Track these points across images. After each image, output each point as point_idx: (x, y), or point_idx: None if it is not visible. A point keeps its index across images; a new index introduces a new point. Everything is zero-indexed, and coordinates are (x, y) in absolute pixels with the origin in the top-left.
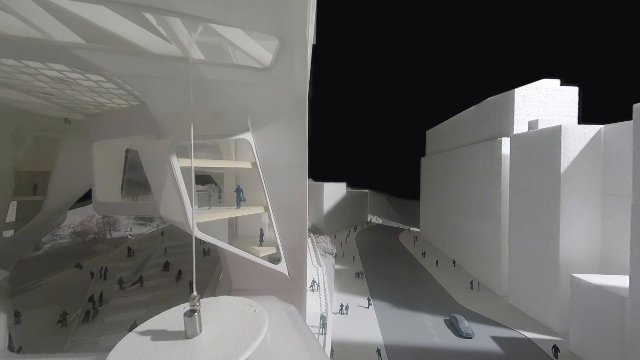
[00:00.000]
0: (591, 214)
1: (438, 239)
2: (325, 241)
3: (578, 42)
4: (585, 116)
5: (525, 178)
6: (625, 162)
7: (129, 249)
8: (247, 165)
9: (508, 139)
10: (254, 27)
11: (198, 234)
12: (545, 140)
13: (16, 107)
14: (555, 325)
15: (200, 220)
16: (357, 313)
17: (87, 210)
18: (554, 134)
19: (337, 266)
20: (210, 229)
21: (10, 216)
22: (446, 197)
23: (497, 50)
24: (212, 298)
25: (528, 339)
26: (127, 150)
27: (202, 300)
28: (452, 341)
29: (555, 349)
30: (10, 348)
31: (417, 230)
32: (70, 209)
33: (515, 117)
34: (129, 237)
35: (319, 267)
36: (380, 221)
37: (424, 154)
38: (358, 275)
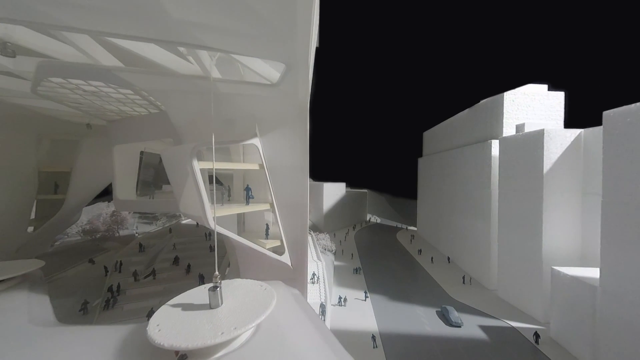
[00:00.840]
0: (572, 211)
1: (434, 237)
2: (325, 239)
3: (568, 49)
4: (572, 120)
5: (512, 178)
6: None
7: (140, 245)
8: (255, 167)
9: (497, 141)
10: (267, 56)
11: (211, 225)
12: (530, 143)
13: (42, 114)
14: (539, 315)
15: (217, 215)
16: (355, 305)
17: (93, 209)
18: (538, 137)
19: (336, 263)
20: (221, 224)
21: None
22: (441, 196)
23: (493, 53)
24: (227, 280)
25: (513, 328)
26: (141, 153)
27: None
28: (442, 329)
29: (537, 335)
30: None
31: (415, 229)
32: None
33: (504, 120)
34: (136, 235)
35: (318, 262)
36: (379, 220)
37: (421, 155)
38: (356, 271)
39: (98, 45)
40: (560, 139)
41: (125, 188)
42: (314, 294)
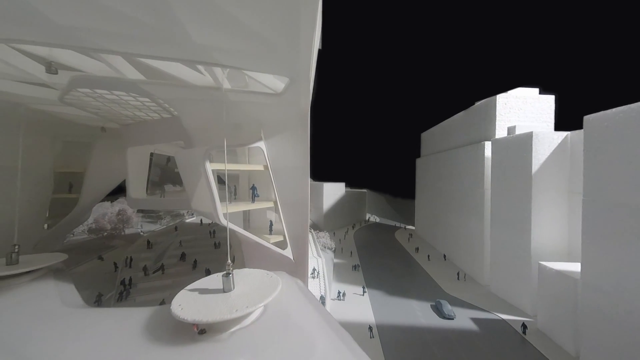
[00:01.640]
0: (559, 210)
1: (431, 235)
2: (325, 237)
3: (561, 53)
4: (562, 122)
5: (503, 179)
6: None
7: (148, 242)
8: (260, 168)
9: (490, 142)
10: (273, 72)
11: (223, 221)
12: (520, 145)
13: (60, 118)
14: (527, 308)
15: (230, 211)
16: (353, 299)
17: (98, 209)
18: (526, 139)
19: (335, 260)
20: (229, 220)
21: None
22: (438, 196)
23: (489, 56)
24: (236, 270)
25: (502, 320)
26: (151, 154)
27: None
28: (436, 322)
29: (524, 326)
30: None
31: (413, 228)
32: None
33: (497, 122)
34: (141, 233)
35: (318, 258)
36: (378, 220)
37: (419, 156)
38: (355, 267)
39: (124, 61)
40: (547, 141)
41: (137, 187)
42: (314, 288)
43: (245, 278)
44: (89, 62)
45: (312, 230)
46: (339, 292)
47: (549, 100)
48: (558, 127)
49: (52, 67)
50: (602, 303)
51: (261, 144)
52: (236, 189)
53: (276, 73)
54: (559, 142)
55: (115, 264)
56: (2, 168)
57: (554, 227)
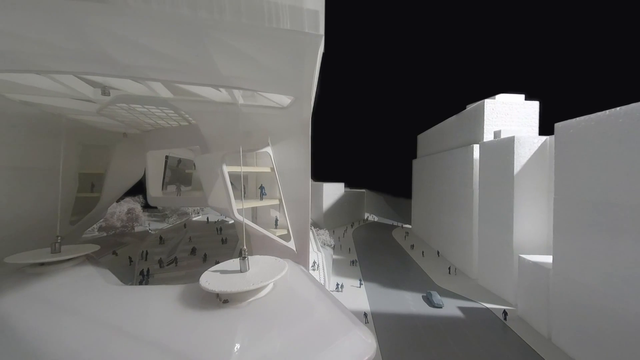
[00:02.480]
0: (539, 208)
1: (426, 233)
2: (324, 234)
3: (551, 61)
4: (546, 126)
5: (489, 179)
6: None
7: (160, 238)
8: (267, 169)
9: (478, 145)
10: (281, 93)
11: (239, 217)
12: (503, 148)
13: (88, 125)
14: (510, 298)
15: (240, 207)
16: (350, 291)
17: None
18: (509, 142)
19: (334, 256)
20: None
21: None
22: (433, 196)
23: (485, 60)
24: (250, 256)
25: (487, 308)
26: (166, 157)
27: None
28: (425, 310)
29: (505, 313)
30: None
31: (409, 226)
32: None
33: (484, 127)
34: (150, 231)
35: (318, 253)
36: (376, 219)
37: (415, 157)
38: (353, 263)
39: (162, 85)
40: (528, 144)
41: (156, 187)
42: None
43: (257, 262)
44: (132, 84)
45: (313, 228)
46: (338, 284)
47: (534, 106)
48: (543, 131)
49: (106, 90)
50: (570, 290)
51: (268, 149)
52: (245, 188)
53: (283, 94)
54: (539, 145)
55: (130, 258)
56: (44, 170)
57: (534, 223)
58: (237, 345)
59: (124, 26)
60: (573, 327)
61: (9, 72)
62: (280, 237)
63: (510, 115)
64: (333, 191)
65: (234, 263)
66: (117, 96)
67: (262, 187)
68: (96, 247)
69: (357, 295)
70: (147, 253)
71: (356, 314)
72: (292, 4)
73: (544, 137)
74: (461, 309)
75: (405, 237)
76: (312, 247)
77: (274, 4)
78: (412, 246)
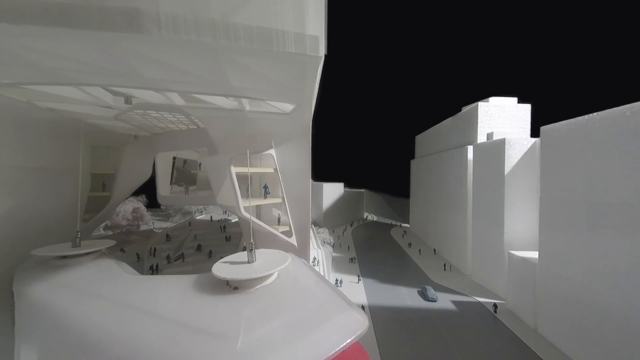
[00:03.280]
0: (528, 206)
1: (423, 232)
2: (324, 232)
3: (545, 64)
4: (538, 129)
5: (482, 179)
6: None
7: (167, 235)
8: (270, 170)
9: (472, 147)
10: (285, 101)
11: (245, 214)
12: (495, 149)
13: (101, 128)
14: (501, 292)
15: (247, 205)
16: (349, 286)
17: None
18: (500, 144)
19: (334, 254)
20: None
21: None
22: (429, 195)
23: (483, 62)
24: (256, 249)
25: (478, 302)
26: (174, 158)
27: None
28: (420, 303)
29: (495, 306)
30: None
31: (408, 225)
32: None
33: (478, 129)
34: (154, 230)
35: (318, 250)
36: (375, 218)
37: (413, 157)
38: (352, 260)
39: (177, 95)
40: (518, 146)
41: (165, 186)
42: None
43: (263, 254)
44: (149, 93)
45: (313, 226)
46: (337, 280)
47: (526, 108)
48: (535, 133)
49: (128, 99)
50: (554, 282)
51: (272, 151)
52: (249, 187)
53: (286, 102)
54: (529, 147)
55: (137, 254)
56: (61, 170)
57: (524, 221)
58: (247, 322)
59: (154, 49)
60: (557, 318)
61: (48, 85)
62: (283, 233)
63: (503, 118)
64: (333, 191)
65: (241, 255)
66: (137, 104)
67: (265, 187)
68: (112, 242)
69: (356, 290)
70: (155, 249)
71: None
72: (296, 31)
73: (533, 139)
74: (454, 302)
75: (403, 235)
76: (313, 244)
77: (281, 32)
78: (410, 244)
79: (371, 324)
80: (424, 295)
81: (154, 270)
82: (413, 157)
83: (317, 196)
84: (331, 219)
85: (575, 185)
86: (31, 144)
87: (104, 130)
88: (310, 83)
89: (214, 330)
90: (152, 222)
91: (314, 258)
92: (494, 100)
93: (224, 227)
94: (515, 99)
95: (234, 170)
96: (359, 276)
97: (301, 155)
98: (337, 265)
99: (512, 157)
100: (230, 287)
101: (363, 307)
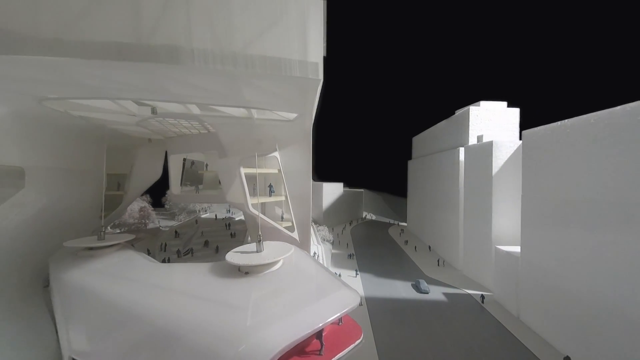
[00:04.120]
0: (514, 204)
1: (419, 230)
2: (324, 230)
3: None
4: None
5: (472, 179)
6: None
7: (176, 232)
8: (275, 171)
9: (463, 148)
10: (289, 111)
11: (253, 210)
12: (484, 151)
13: (119, 131)
14: (489, 285)
15: (255, 202)
16: (347, 280)
17: None
18: (488, 146)
19: (333, 251)
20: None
21: None
22: (426, 195)
23: (478, 68)
24: (263, 241)
25: (468, 294)
26: (184, 159)
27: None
28: (413, 295)
29: (482, 297)
30: None
31: (405, 224)
32: None
33: (470, 131)
34: (160, 228)
35: (319, 245)
36: (374, 217)
37: (410, 158)
38: (350, 256)
39: (195, 106)
40: (505, 148)
41: (177, 185)
42: None
43: (269, 245)
44: (171, 104)
45: (313, 224)
46: (335, 274)
47: (515, 112)
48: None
49: (154, 110)
50: (534, 273)
51: (276, 154)
52: (255, 187)
53: (290, 112)
54: (515, 149)
55: (147, 250)
56: (84, 171)
57: (510, 218)
58: (257, 298)
59: (185, 75)
60: (537, 306)
61: (89, 99)
62: (286, 228)
63: (493, 121)
64: (332, 190)
65: (250, 246)
66: (160, 113)
67: (270, 186)
68: (132, 237)
69: (353, 283)
70: (166, 245)
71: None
72: (300, 59)
73: (519, 142)
74: (445, 294)
75: (401, 234)
76: (313, 240)
77: (288, 60)
78: (406, 242)
79: (367, 314)
80: (417, 287)
81: (167, 262)
82: (410, 157)
83: (318, 196)
84: (331, 218)
85: (550, 184)
86: (62, 147)
87: (122, 134)
88: (311, 98)
89: (230, 303)
90: (158, 221)
91: (314, 253)
92: (484, 105)
93: (229, 225)
94: (505, 103)
95: (243, 171)
96: (356, 271)
97: (302, 157)
98: (336, 260)
99: (500, 158)
100: (242, 272)
101: (360, 298)
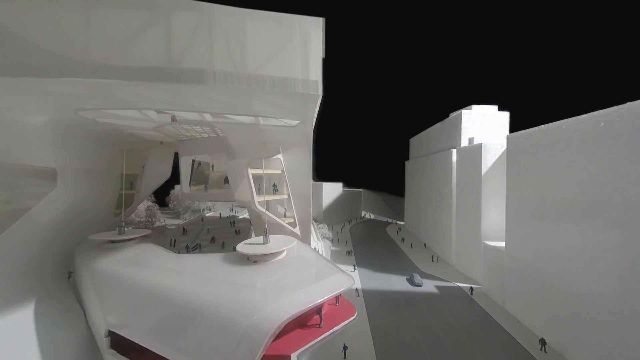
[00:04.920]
0: (501, 203)
1: (416, 228)
2: (324, 228)
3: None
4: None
5: (464, 179)
6: None
7: (184, 229)
8: (278, 171)
9: (456, 150)
10: (292, 119)
11: (259, 207)
12: (474, 153)
13: (134, 135)
14: (479, 278)
15: (261, 200)
16: None
17: None
18: (478, 148)
19: (332, 248)
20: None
21: None
22: (422, 194)
23: (474, 72)
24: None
25: (458, 286)
26: (193, 161)
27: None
28: (407, 288)
29: (471, 289)
30: None
31: (403, 223)
32: None
33: (462, 134)
34: (166, 226)
35: (318, 242)
36: (372, 216)
37: (408, 158)
38: (348, 253)
39: (208, 114)
40: (493, 150)
41: (186, 185)
42: None
43: (274, 238)
44: (188, 112)
45: (313, 222)
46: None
47: (505, 116)
48: None
49: (174, 118)
50: (516, 266)
51: (280, 156)
52: (262, 186)
53: (293, 119)
54: (502, 151)
55: None
56: (101, 172)
57: (498, 215)
58: (265, 279)
59: (206, 91)
60: (518, 295)
61: (119, 109)
62: (288, 224)
63: (484, 124)
64: (332, 190)
65: (257, 239)
66: (196, 120)
67: (274, 185)
68: (148, 232)
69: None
70: (175, 240)
71: (350, 292)
72: (303, 77)
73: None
74: (437, 287)
75: (398, 232)
76: (313, 236)
77: (292, 79)
78: (403, 239)
79: (363, 303)
80: (411, 281)
81: None
82: (408, 158)
83: (318, 195)
84: (330, 217)
85: (530, 184)
86: (86, 150)
87: (137, 137)
88: (312, 109)
89: (242, 284)
90: (164, 220)
91: (315, 249)
92: (476, 108)
93: (233, 222)
94: (495, 107)
95: (250, 171)
96: (354, 266)
97: (303, 159)
98: (335, 257)
99: (488, 159)
100: (251, 260)
101: (357, 290)
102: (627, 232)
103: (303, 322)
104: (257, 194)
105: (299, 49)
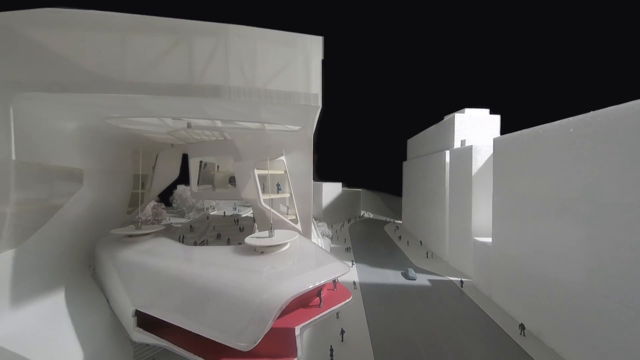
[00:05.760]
0: (490, 201)
1: (413, 226)
2: (324, 226)
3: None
4: None
5: (456, 179)
6: None
7: (190, 227)
8: (281, 172)
9: (449, 151)
10: (294, 125)
11: (265, 205)
12: (465, 154)
13: (147, 138)
14: (469, 272)
15: (266, 198)
16: None
17: None
18: (468, 150)
19: (332, 245)
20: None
21: None
22: (418, 193)
23: (470, 75)
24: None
25: (450, 280)
26: (200, 162)
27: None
28: (402, 281)
29: (461, 282)
30: None
31: (400, 222)
32: None
33: (455, 136)
34: (172, 225)
35: (318, 239)
36: (371, 215)
37: (405, 159)
38: (347, 249)
39: (219, 121)
40: (483, 152)
41: (195, 184)
42: None
43: (279, 232)
44: (202, 120)
45: (314, 220)
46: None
47: (496, 119)
48: None
49: (190, 125)
50: (502, 259)
51: (283, 158)
52: (266, 185)
53: (295, 125)
54: (491, 153)
55: None
56: (118, 172)
57: (487, 213)
58: (272, 267)
59: (221, 103)
60: (502, 286)
61: (141, 117)
62: (290, 221)
63: (476, 127)
64: (332, 190)
65: (263, 234)
66: (208, 125)
67: (278, 184)
68: (162, 227)
69: (349, 271)
70: (183, 237)
71: (347, 283)
72: (305, 91)
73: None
74: (430, 281)
75: (395, 230)
76: (313, 234)
77: (296, 92)
78: (400, 237)
79: (360, 295)
80: (405, 275)
81: None
82: (405, 158)
83: (318, 194)
84: (330, 216)
85: (513, 183)
86: (107, 152)
87: (151, 140)
88: (312, 117)
89: (252, 270)
90: (169, 218)
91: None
92: (468, 112)
93: (237, 220)
94: (487, 110)
95: (256, 172)
96: (352, 261)
97: (304, 160)
98: (334, 253)
99: (478, 161)
100: (258, 251)
101: (355, 283)
102: (594, 227)
103: (305, 303)
104: (262, 192)
105: (302, 65)
